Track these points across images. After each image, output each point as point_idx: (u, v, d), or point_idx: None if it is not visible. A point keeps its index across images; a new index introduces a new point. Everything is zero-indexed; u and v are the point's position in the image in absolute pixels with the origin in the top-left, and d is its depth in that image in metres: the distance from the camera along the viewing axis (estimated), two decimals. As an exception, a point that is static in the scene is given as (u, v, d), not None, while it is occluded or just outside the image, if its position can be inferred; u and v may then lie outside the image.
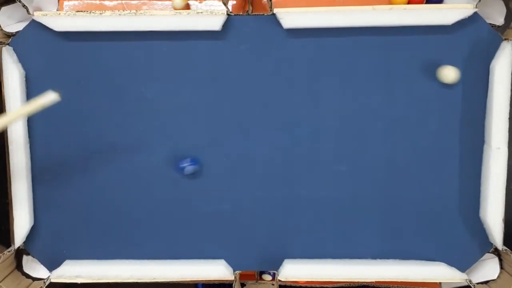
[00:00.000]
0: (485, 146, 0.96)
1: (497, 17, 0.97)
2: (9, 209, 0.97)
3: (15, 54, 0.97)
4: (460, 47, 0.96)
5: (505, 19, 0.96)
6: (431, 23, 0.94)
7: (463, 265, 0.97)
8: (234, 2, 1.04)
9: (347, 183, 0.99)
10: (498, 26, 0.96)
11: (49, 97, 0.85)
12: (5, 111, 0.96)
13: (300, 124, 0.99)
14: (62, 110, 0.98)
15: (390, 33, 0.96)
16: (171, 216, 0.99)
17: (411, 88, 0.97)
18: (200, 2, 1.05)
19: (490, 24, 0.95)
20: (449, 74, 0.93)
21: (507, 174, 0.95)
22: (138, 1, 1.04)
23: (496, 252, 0.98)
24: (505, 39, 0.94)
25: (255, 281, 1.01)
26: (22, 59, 0.97)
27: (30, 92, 0.98)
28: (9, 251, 0.96)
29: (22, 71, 0.97)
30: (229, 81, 0.98)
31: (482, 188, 0.97)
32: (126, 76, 0.98)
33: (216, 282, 1.00)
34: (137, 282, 0.96)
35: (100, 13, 0.95)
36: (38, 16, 0.95)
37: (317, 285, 1.02)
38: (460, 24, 0.94)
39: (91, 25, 0.95)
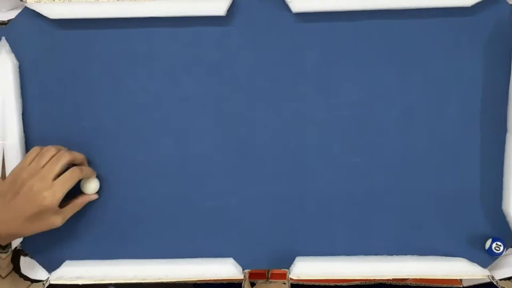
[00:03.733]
0: (508, 135, 0.91)
1: (521, -3, 0.91)
2: (5, 207, 0.92)
3: (7, 44, 0.92)
4: (481, 30, 0.90)
5: (529, -1, 0.90)
6: (450, 4, 0.88)
7: (485, 261, 0.92)
8: (239, -15, 0.98)
9: (361, 175, 0.94)
10: (522, 7, 0.91)
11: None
12: (-2, 104, 0.91)
13: (311, 114, 0.93)
14: (58, 103, 0.93)
15: (407, 16, 0.90)
16: (176, 212, 0.94)
17: (428, 75, 0.92)
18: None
19: (513, 5, 0.90)
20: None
21: (532, 164, 0.89)
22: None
23: (520, 246, 0.93)
24: (529, 21, 0.89)
25: (265, 280, 0.97)
26: (15, 49, 0.92)
27: (24, 84, 0.93)
28: (5, 252, 0.91)
29: (15, 61, 0.92)
30: (234, 69, 0.93)
31: (505, 179, 0.92)
32: (125, 65, 0.93)
33: (224, 282, 0.95)
34: (140, 283, 0.92)
35: (97, -1, 0.89)
36: (31, 3, 0.90)
37: (331, 283, 0.97)
38: (481, 5, 0.89)
39: (88, 11, 0.90)
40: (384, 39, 0.92)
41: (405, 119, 0.93)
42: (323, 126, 0.94)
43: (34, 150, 0.86)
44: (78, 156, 0.89)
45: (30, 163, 0.84)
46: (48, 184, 0.82)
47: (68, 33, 0.92)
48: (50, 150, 0.85)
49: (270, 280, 0.97)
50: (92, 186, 0.91)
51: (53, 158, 0.84)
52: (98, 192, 0.93)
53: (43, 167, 0.83)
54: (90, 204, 0.94)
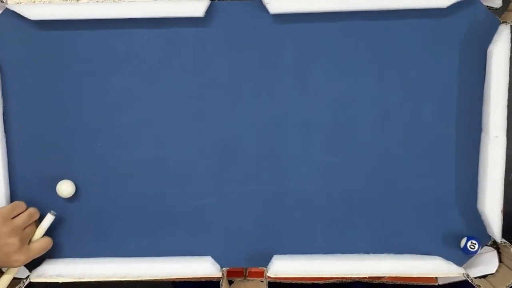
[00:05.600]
0: (483, 135, 0.92)
1: (495, -1, 0.92)
2: (-14, 206, 0.93)
3: (-12, 45, 0.93)
4: (456, 31, 0.91)
5: (503, 0, 0.91)
6: (426, 6, 0.89)
7: (460, 259, 0.93)
8: (219, -13, 0.99)
9: (339, 175, 0.95)
10: (496, 9, 0.91)
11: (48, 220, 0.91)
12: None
13: (290, 114, 0.94)
14: (39, 103, 0.94)
15: (383, 17, 0.91)
16: (155, 211, 0.95)
17: (405, 75, 0.93)
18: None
19: (488, 6, 0.91)
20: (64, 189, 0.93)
21: (506, 164, 0.90)
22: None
23: (495, 245, 0.94)
24: (503, 22, 0.90)
25: (243, 278, 0.98)
26: (-4, 50, 0.93)
27: (5, 84, 0.93)
28: (-13, 250, 0.92)
29: (-4, 62, 0.93)
30: (213, 70, 0.94)
31: (480, 179, 0.93)
32: (105, 66, 0.94)
33: (202, 280, 0.96)
34: (120, 281, 0.93)
35: (77, 0, 0.90)
36: (11, 4, 0.91)
37: (308, 281, 0.98)
38: (456, 6, 0.90)
39: (68, 13, 0.91)
40: (361, 39, 0.93)
41: (383, 119, 0.94)
42: (301, 127, 0.95)
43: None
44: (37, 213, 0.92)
45: (8, 216, 0.85)
46: (26, 249, 0.86)
47: (48, 34, 0.93)
48: (22, 206, 0.89)
49: (248, 278, 0.98)
50: (68, 190, 0.93)
51: (28, 218, 0.88)
52: (76, 193, 0.94)
53: (23, 229, 0.87)
54: (70, 202, 0.95)
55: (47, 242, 0.90)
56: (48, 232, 0.93)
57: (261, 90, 0.94)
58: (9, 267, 0.88)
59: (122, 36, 0.93)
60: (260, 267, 0.94)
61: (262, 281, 0.93)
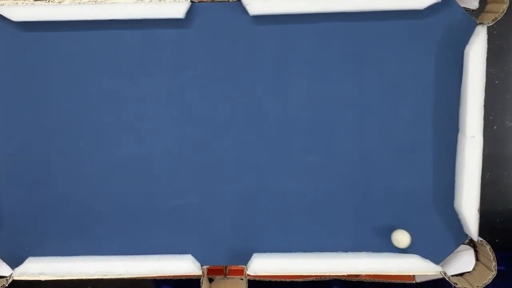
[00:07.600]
0: (460, 135, 0.93)
1: (472, 1, 0.93)
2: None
3: (-29, 46, 0.94)
4: (433, 32, 0.93)
5: (480, 2, 0.92)
6: (403, 7, 0.91)
7: (438, 257, 0.94)
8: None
9: (318, 174, 0.96)
10: (473, 10, 0.93)
11: None
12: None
13: (269, 114, 0.96)
14: (21, 102, 0.95)
15: (361, 19, 0.92)
16: (136, 210, 0.97)
17: (383, 75, 0.94)
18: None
19: (464, 8, 0.92)
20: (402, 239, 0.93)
21: (482, 163, 0.92)
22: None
23: (472, 243, 0.95)
24: (480, 23, 0.91)
25: (223, 276, 0.99)
26: (-22, 51, 0.94)
27: (-12, 85, 0.95)
28: (-30, 249, 0.93)
29: (-22, 63, 0.94)
30: (194, 71, 0.95)
31: (457, 178, 0.94)
32: (87, 66, 0.95)
33: (183, 278, 0.97)
34: (101, 279, 0.94)
35: (59, 2, 0.91)
36: (-6, 6, 0.92)
37: (287, 279, 0.99)
38: (433, 8, 0.91)
39: (50, 14, 0.92)
40: (340, 40, 0.94)
41: (361, 119, 0.95)
42: (281, 127, 0.96)
43: None
44: None
45: None
46: None
47: (31, 34, 0.94)
48: None
49: (228, 276, 0.99)
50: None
51: None
52: (58, 192, 0.95)
53: None
54: (52, 201, 0.96)
55: None
56: (32, 230, 0.94)
57: (241, 90, 0.95)
58: None
59: (104, 37, 0.94)
60: (240, 265, 0.95)
61: (242, 279, 0.95)
